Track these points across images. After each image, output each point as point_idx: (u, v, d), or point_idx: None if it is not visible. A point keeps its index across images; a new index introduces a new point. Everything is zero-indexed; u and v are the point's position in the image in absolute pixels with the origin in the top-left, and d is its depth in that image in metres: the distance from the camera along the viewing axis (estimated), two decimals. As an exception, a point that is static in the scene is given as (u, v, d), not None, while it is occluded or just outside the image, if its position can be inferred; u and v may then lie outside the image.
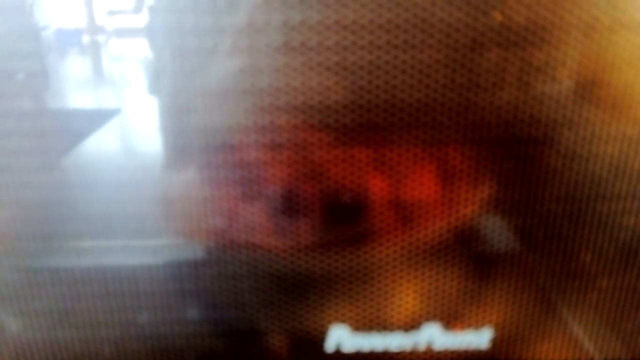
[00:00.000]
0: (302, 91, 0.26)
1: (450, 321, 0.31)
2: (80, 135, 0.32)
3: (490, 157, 0.27)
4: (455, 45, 0.25)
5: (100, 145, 0.34)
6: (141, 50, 0.29)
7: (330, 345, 0.31)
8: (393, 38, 0.25)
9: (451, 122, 0.26)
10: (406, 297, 0.30)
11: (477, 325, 0.31)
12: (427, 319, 0.31)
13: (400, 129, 0.26)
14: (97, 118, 0.34)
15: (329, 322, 0.31)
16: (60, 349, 0.31)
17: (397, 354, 0.31)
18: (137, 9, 0.29)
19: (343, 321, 0.31)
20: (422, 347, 0.31)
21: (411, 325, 0.31)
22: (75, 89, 0.33)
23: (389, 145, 0.27)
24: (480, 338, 0.31)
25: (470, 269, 0.30)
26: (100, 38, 0.33)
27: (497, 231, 0.29)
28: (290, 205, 0.28)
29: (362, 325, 0.31)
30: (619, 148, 0.28)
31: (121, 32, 0.33)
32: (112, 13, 0.32)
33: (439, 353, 0.31)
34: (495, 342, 0.32)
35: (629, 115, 0.27)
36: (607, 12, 0.25)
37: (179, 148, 0.28)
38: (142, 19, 0.28)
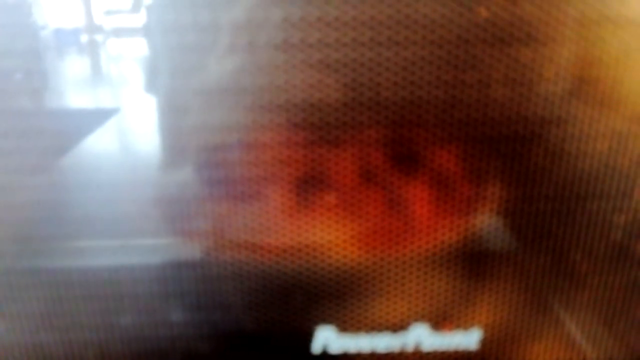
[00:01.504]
0: (284, 89, 0.25)
1: (439, 322, 0.31)
2: (77, 135, 0.32)
3: (478, 155, 0.27)
4: (439, 42, 0.25)
5: (92, 146, 0.34)
6: (139, 50, 0.29)
7: (316, 347, 0.31)
8: (376, 35, 0.24)
9: (437, 120, 0.26)
10: (394, 297, 0.30)
11: (466, 325, 0.31)
12: (416, 320, 0.31)
13: (385, 127, 0.26)
14: (95, 117, 0.33)
15: (316, 323, 0.30)
16: (43, 352, 0.31)
17: (385, 355, 0.31)
18: (135, 8, 0.29)
19: (330, 322, 0.30)
20: (410, 347, 0.31)
21: (399, 325, 0.31)
22: (73, 88, 0.33)
23: (374, 144, 0.27)
24: (469, 339, 0.31)
25: (459, 268, 0.30)
26: (99, 37, 0.33)
27: (486, 230, 0.29)
28: (279, 205, 0.28)
29: (349, 326, 0.31)
30: (608, 145, 0.27)
31: (119, 32, 0.33)
32: (110, 13, 0.32)
33: (427, 354, 0.31)
34: (484, 342, 0.31)
35: (617, 112, 0.27)
36: (595, 8, 0.25)
37: (174, 147, 0.28)
38: (139, 19, 0.28)
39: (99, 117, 0.34)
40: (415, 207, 0.28)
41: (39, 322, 0.31)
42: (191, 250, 0.30)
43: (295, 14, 0.24)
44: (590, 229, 0.29)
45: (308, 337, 0.31)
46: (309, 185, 0.27)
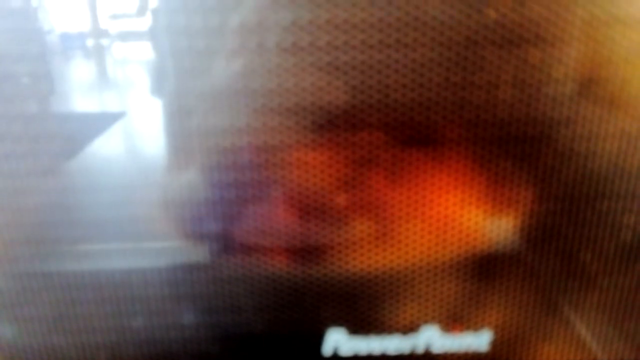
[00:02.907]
0: (293, 92, 0.25)
1: (449, 323, 0.31)
2: (82, 140, 0.32)
3: (487, 156, 0.27)
4: (448, 44, 0.25)
5: (100, 149, 0.34)
6: (145, 53, 0.29)
7: (327, 349, 0.31)
8: (385, 37, 0.24)
9: (446, 122, 0.26)
10: (404, 299, 0.30)
11: (476, 327, 0.31)
12: (426, 322, 0.31)
13: (394, 129, 0.26)
14: (102, 121, 0.34)
15: (326, 325, 0.30)
16: (55, 354, 0.31)
17: (396, 357, 0.31)
18: (140, 12, 0.29)
19: (340, 324, 0.30)
20: (420, 350, 0.31)
21: (409, 327, 0.31)
22: (80, 92, 0.33)
23: (383, 146, 0.27)
24: (479, 340, 0.31)
25: (469, 270, 0.30)
26: (104, 41, 0.33)
27: (495, 231, 0.29)
28: (287, 209, 0.28)
29: (360, 328, 0.31)
30: (618, 145, 0.27)
31: (125, 36, 0.33)
32: (115, 17, 0.32)
33: (437, 356, 0.31)
34: (495, 344, 0.31)
35: (627, 112, 0.27)
36: (604, 8, 0.25)
37: (182, 150, 0.28)
38: (145, 22, 0.28)
39: (106, 120, 0.34)
40: (425, 209, 0.28)
41: (51, 325, 0.31)
42: (201, 253, 0.30)
43: (304, 16, 0.24)
44: (600, 229, 0.29)
45: (319, 339, 0.31)
46: (318, 187, 0.27)
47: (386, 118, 0.26)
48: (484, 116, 0.26)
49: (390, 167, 0.27)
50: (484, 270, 0.30)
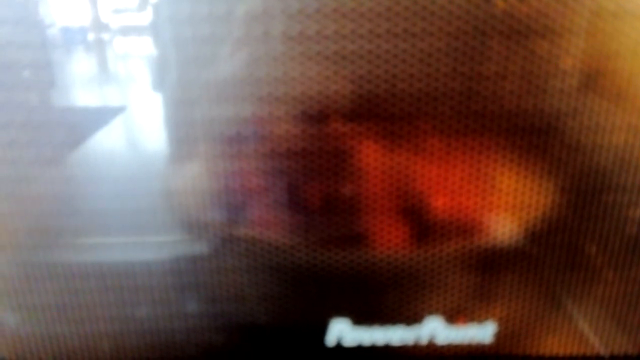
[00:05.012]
0: (300, 81, 0.25)
1: (453, 315, 0.31)
2: (84, 132, 0.32)
3: (493, 147, 0.27)
4: (456, 34, 0.25)
5: (103, 141, 0.34)
6: (146, 47, 0.29)
7: (331, 339, 0.31)
8: (393, 26, 0.24)
9: (453, 112, 0.26)
10: (408, 290, 0.30)
11: (480, 319, 0.31)
12: (430, 313, 0.31)
13: (401, 119, 0.26)
14: (102, 115, 0.34)
15: (330, 315, 0.30)
16: (59, 343, 0.31)
17: (399, 348, 0.31)
18: (142, 6, 0.29)
19: (344, 315, 0.30)
20: (424, 341, 0.31)
21: (413, 319, 0.31)
22: (80, 85, 0.33)
23: (389, 135, 0.26)
24: (483, 332, 0.31)
25: (473, 262, 0.30)
26: (106, 36, 0.33)
27: (500, 223, 0.29)
28: (292, 198, 0.28)
29: (364, 318, 0.31)
30: (624, 138, 0.27)
31: (126, 30, 0.33)
32: (117, 11, 0.32)
33: (441, 347, 0.31)
34: (499, 336, 0.31)
35: (634, 105, 0.27)
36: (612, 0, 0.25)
37: (184, 141, 0.28)
38: (146, 16, 0.28)
39: (107, 114, 0.34)
40: (430, 201, 0.28)
41: (55, 314, 0.31)
42: (205, 243, 0.30)
43: (311, 5, 0.24)
44: (605, 222, 0.29)
45: (322, 329, 0.31)
46: (323, 177, 0.27)
47: (392, 108, 0.26)
48: (490, 107, 0.26)
49: (396, 158, 0.27)
50: (489, 263, 0.30)
